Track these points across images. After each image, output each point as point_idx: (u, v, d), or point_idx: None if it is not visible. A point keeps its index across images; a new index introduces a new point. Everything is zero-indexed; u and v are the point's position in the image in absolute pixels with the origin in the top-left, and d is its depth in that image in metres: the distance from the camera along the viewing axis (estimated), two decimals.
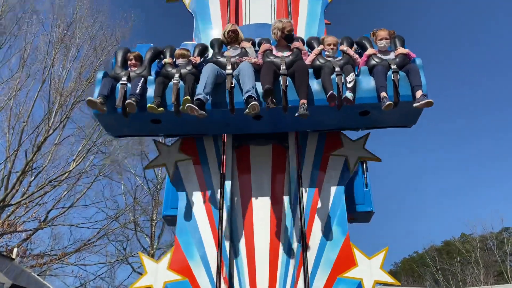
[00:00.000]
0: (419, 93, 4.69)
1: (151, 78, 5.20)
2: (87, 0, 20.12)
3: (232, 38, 5.43)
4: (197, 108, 4.53)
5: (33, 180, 17.39)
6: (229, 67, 4.97)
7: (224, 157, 5.85)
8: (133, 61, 5.42)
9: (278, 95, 4.84)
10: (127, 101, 4.79)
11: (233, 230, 5.48)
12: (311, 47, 5.51)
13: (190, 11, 7.24)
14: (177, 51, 5.35)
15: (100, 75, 5.27)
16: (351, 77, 4.79)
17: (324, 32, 6.74)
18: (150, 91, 5.03)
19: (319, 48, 5.30)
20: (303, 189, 5.53)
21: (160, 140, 6.63)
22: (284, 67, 4.92)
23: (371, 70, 5.00)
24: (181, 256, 5.29)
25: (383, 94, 4.72)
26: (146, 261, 5.38)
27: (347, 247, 5.20)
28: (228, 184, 5.65)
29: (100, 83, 5.12)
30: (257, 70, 4.95)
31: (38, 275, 15.35)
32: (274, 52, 5.25)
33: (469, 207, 60.77)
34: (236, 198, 5.75)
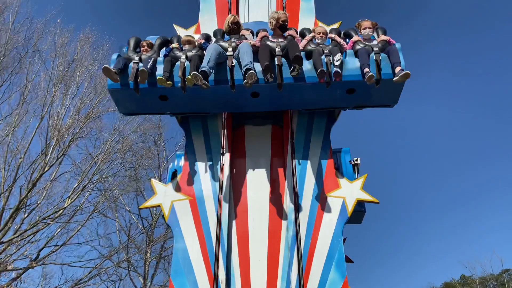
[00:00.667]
0: (398, 69, 5.31)
1: (160, 59, 5.78)
2: (88, 40, 20.61)
3: (234, 30, 6.05)
4: (201, 76, 5.03)
5: (26, 217, 17.12)
6: (230, 49, 5.57)
7: (221, 196, 5.83)
8: (145, 47, 6.07)
9: (274, 73, 5.42)
10: (140, 68, 5.38)
11: (229, 273, 5.38)
12: (303, 36, 6.16)
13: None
14: (184, 38, 6.00)
15: (114, 56, 5.84)
16: (338, 56, 5.43)
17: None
18: (160, 71, 5.61)
19: (311, 35, 5.97)
20: (301, 231, 5.48)
21: (156, 180, 6.88)
22: (279, 49, 5.52)
23: (356, 53, 5.68)
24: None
25: (366, 69, 5.33)
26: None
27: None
28: (224, 226, 5.60)
29: (114, 62, 5.66)
30: (255, 52, 5.54)
31: None
32: (270, 38, 5.83)
33: (468, 248, 59.95)
34: (233, 239, 5.68)
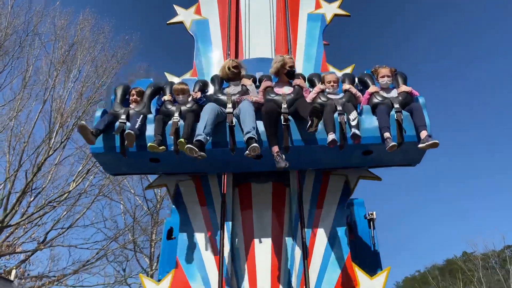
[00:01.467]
0: (423, 134, 4.59)
1: (150, 116, 5.09)
2: (88, 22, 20.45)
3: (234, 74, 5.34)
4: (196, 149, 4.39)
5: (32, 200, 17.35)
6: (229, 105, 4.88)
7: (225, 176, 5.88)
8: (135, 97, 5.35)
9: (279, 135, 4.78)
10: (127, 131, 4.69)
11: (234, 249, 5.47)
12: (312, 84, 5.47)
13: (191, 33, 7.38)
14: (176, 87, 5.25)
15: (98, 113, 5.19)
16: (354, 115, 4.73)
17: (322, 54, 6.86)
18: (150, 130, 4.93)
19: (320, 86, 5.24)
20: (304, 210, 5.54)
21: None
22: (285, 106, 4.85)
23: (374, 109, 4.94)
24: (182, 278, 5.27)
25: (387, 134, 4.63)
26: (147, 282, 5.36)
27: (349, 267, 5.17)
28: (229, 201, 5.67)
29: (98, 119, 5.06)
30: (258, 108, 4.93)
31: None
32: (275, 89, 5.19)
33: (471, 225, 60.45)
34: (236, 218, 5.75)
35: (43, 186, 17.60)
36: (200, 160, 4.48)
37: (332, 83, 5.22)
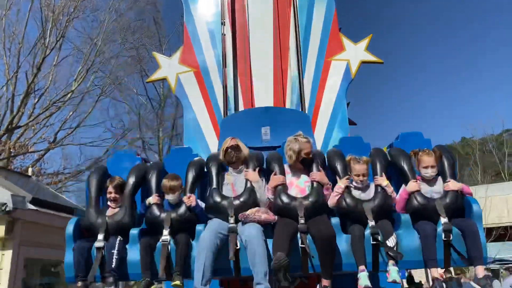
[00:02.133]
0: (480, 271, 3.55)
1: (133, 233, 3.93)
2: None
3: (234, 157, 4.14)
4: None
5: (37, 102, 17.51)
6: (232, 220, 3.79)
7: (225, 70, 5.93)
8: (113, 194, 4.13)
9: (296, 257, 3.63)
10: None
11: None
12: (333, 170, 4.10)
13: None
14: (165, 183, 4.01)
15: (70, 228, 4.05)
16: (392, 241, 3.57)
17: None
18: (132, 253, 3.88)
19: (344, 183, 3.89)
20: (305, 94, 5.62)
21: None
22: (303, 221, 3.68)
23: (413, 216, 3.79)
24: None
25: (435, 273, 3.62)
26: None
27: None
28: (231, 95, 5.76)
29: (71, 243, 3.99)
30: (268, 224, 3.84)
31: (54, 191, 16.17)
32: (288, 179, 4.03)
33: (471, 110, 61.13)
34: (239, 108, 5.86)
35: (46, 87, 17.62)
36: None
37: (361, 177, 3.92)
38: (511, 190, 20.15)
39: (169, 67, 6.10)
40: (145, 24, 22.95)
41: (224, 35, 6.06)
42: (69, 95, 17.83)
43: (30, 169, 13.09)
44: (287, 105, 5.75)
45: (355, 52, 5.82)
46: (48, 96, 17.70)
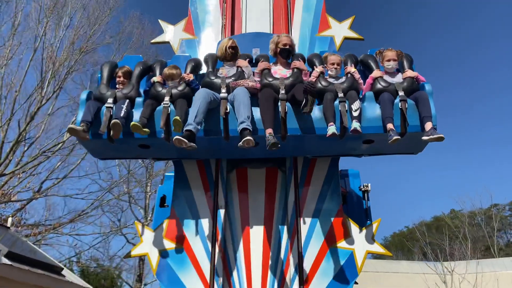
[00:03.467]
0: (428, 125, 4.31)
1: (139, 100, 4.72)
2: None
3: (231, 55, 4.99)
4: (186, 140, 4.06)
5: (26, 150, 17.33)
6: (223, 90, 4.55)
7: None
8: (121, 78, 4.95)
9: (276, 122, 4.40)
10: (112, 121, 4.34)
11: (227, 198, 5.51)
12: (312, 65, 5.11)
13: None
14: (166, 71, 4.83)
15: (84, 95, 4.78)
16: (356, 105, 4.40)
17: (322, 4, 6.64)
18: (137, 115, 4.55)
19: (319, 69, 4.85)
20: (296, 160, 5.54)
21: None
22: (283, 92, 4.47)
23: (377, 95, 4.64)
24: (177, 225, 5.31)
25: (390, 126, 4.34)
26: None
27: (340, 218, 5.23)
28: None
29: (83, 105, 4.67)
30: (254, 93, 4.62)
31: (33, 244, 15.51)
32: (272, 70, 4.86)
33: (459, 183, 61.68)
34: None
35: (37, 136, 17.54)
36: (190, 150, 4.22)
37: (335, 65, 4.84)
38: (502, 268, 19.80)
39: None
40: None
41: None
42: (59, 146, 17.70)
43: (10, 219, 12.65)
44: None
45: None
46: (38, 145, 17.57)
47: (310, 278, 4.91)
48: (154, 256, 5.15)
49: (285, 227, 5.31)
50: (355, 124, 4.29)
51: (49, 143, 17.76)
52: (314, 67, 4.99)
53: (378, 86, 4.70)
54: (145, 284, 22.62)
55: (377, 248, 5.13)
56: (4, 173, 16.35)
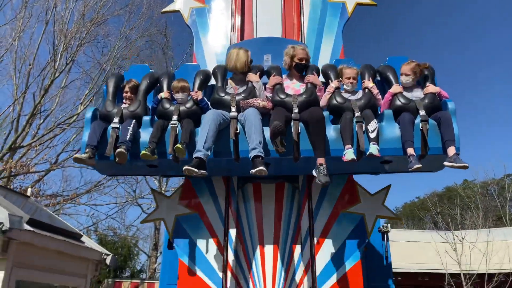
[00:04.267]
0: (451, 150, 4.03)
1: (145, 119, 4.54)
2: None
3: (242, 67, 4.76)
4: (195, 170, 3.89)
5: (42, 123, 17.65)
6: (233, 109, 4.34)
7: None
8: (128, 94, 4.77)
9: (288, 142, 4.15)
10: (117, 150, 4.20)
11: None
12: (326, 77, 4.81)
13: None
14: (175, 84, 4.65)
15: (89, 114, 4.61)
16: (373, 125, 4.11)
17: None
18: (144, 136, 4.40)
19: (334, 84, 4.52)
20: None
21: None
22: (297, 111, 4.20)
23: (396, 113, 4.34)
24: (191, 192, 5.40)
25: (410, 150, 4.05)
26: (158, 196, 5.56)
27: (350, 183, 5.28)
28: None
29: (89, 124, 4.50)
30: (265, 113, 4.37)
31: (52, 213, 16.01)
32: (285, 84, 4.60)
33: (473, 154, 61.10)
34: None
35: (52, 109, 17.80)
36: (201, 177, 4.12)
37: (351, 80, 4.53)
38: None
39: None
40: (154, 53, 23.43)
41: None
42: (74, 118, 17.97)
43: (29, 190, 13.02)
44: None
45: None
46: (54, 118, 17.85)
47: (321, 242, 5.03)
48: (170, 222, 5.28)
49: (297, 191, 5.36)
50: (372, 148, 4.00)
51: (64, 116, 18.05)
52: (329, 80, 4.71)
53: (398, 103, 4.39)
54: (161, 252, 23.30)
55: (387, 213, 5.16)
56: (22, 145, 16.72)
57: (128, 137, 4.27)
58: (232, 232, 5.15)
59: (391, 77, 4.70)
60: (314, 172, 4.04)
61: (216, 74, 4.84)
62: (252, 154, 3.99)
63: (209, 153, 4.07)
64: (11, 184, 15.71)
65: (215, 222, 5.23)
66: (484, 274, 18.00)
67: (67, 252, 6.48)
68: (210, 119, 4.18)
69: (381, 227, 6.71)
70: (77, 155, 4.22)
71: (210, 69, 5.11)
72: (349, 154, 3.98)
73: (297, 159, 4.24)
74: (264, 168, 3.86)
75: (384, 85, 4.74)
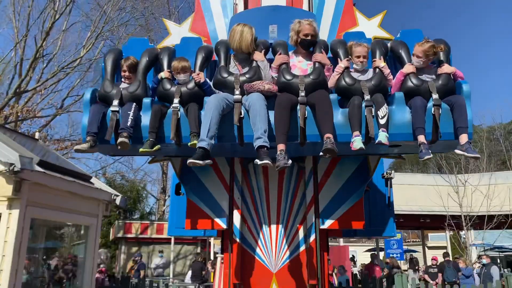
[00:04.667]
0: (463, 138, 3.85)
1: (146, 101, 4.27)
2: None
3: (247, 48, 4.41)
4: (200, 162, 3.76)
5: (45, 67, 17.52)
6: (237, 92, 4.11)
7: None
8: (127, 73, 4.48)
9: (294, 127, 3.99)
10: (119, 140, 4.05)
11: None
12: (335, 55, 4.46)
13: None
14: (175, 64, 4.33)
15: (88, 95, 4.39)
16: (383, 111, 3.89)
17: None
18: (145, 119, 4.19)
19: (344, 63, 4.22)
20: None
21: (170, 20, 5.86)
22: (303, 94, 4.01)
23: (407, 96, 4.08)
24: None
25: (421, 138, 3.87)
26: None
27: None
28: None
29: (88, 106, 4.29)
30: (271, 96, 4.15)
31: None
32: (291, 63, 4.36)
33: (480, 96, 60.39)
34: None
35: (54, 52, 17.57)
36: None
37: (361, 59, 4.22)
38: None
39: (179, 34, 5.99)
40: None
41: (236, 4, 5.93)
42: (77, 62, 17.79)
43: (37, 133, 13.18)
44: None
45: (369, 27, 5.49)
46: (56, 62, 17.68)
47: (323, 182, 5.09)
48: (177, 162, 5.29)
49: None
50: (382, 136, 3.81)
51: (67, 59, 17.86)
52: (338, 58, 4.41)
53: (409, 84, 4.12)
54: (169, 196, 23.93)
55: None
56: (27, 89, 16.71)
57: (129, 123, 4.10)
58: (238, 174, 5.22)
59: (403, 55, 4.37)
60: (321, 152, 3.83)
61: (219, 51, 4.51)
62: (256, 144, 3.85)
63: (213, 141, 3.92)
64: (18, 129, 15.89)
65: (221, 164, 5.30)
66: (485, 215, 18.44)
67: (77, 193, 6.64)
68: (213, 105, 3.98)
69: (385, 173, 6.60)
70: (77, 147, 4.11)
71: (218, 24, 4.95)
72: (357, 142, 3.81)
73: (303, 144, 4.10)
74: (269, 162, 3.71)
75: (395, 62, 4.45)
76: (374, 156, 5.04)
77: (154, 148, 4.04)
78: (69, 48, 18.77)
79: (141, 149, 3.99)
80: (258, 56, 4.35)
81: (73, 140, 18.75)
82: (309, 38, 4.37)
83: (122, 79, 4.54)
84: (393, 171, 6.72)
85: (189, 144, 3.96)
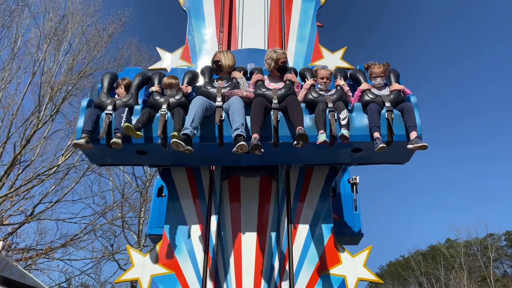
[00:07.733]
0: (413, 134, 4.55)
1: (137, 108, 4.89)
2: None
3: (227, 72, 5.26)
4: (183, 143, 4.29)
5: (20, 173, 17.25)
6: (219, 99, 4.76)
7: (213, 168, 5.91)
8: (122, 90, 5.16)
9: (268, 130, 4.67)
10: (112, 140, 4.54)
11: (220, 224, 5.53)
12: (303, 78, 5.35)
13: (184, 8, 7.30)
14: (165, 80, 5.04)
15: (84, 103, 4.96)
16: (344, 114, 4.64)
17: (316, 35, 6.88)
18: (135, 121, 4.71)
19: (311, 81, 5.10)
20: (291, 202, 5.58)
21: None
22: (276, 101, 4.74)
23: (365, 106, 4.88)
24: (169, 250, 5.32)
25: (376, 134, 4.60)
26: (134, 254, 5.39)
27: (331, 244, 5.26)
28: (217, 191, 5.66)
29: (84, 112, 4.84)
30: (248, 103, 4.80)
31: (23, 268, 15.22)
32: (266, 83, 5.12)
33: (455, 212, 61.59)
34: (225, 209, 5.73)
35: (32, 159, 17.50)
36: (187, 154, 4.40)
37: (325, 80, 5.09)
38: None
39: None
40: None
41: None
42: (54, 169, 17.65)
43: (0, 243, 12.50)
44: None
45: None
46: (33, 168, 17.51)
47: None
48: (145, 281, 5.10)
49: (278, 236, 5.38)
50: (344, 131, 4.51)
51: (44, 166, 17.72)
52: (306, 79, 5.24)
53: (366, 98, 4.95)
54: None
55: (368, 275, 5.12)
56: None
57: (122, 124, 4.57)
58: None
59: (360, 77, 5.27)
60: (295, 142, 4.44)
61: (204, 73, 5.32)
62: (234, 133, 4.41)
63: (195, 132, 4.49)
64: None
65: (192, 283, 5.06)
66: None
67: None
68: (197, 103, 4.62)
69: (351, 179, 7.15)
70: (76, 141, 4.55)
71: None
72: (321, 137, 4.46)
73: (276, 145, 4.68)
74: (244, 143, 4.26)
75: (355, 86, 5.27)
76: (353, 278, 5.07)
77: (138, 132, 4.53)
78: (48, 155, 18.67)
79: (126, 124, 4.47)
80: (237, 74, 5.17)
81: (39, 249, 17.75)
82: (285, 65, 5.24)
83: (116, 96, 5.15)
84: (358, 177, 7.24)
85: (170, 135, 4.38)
